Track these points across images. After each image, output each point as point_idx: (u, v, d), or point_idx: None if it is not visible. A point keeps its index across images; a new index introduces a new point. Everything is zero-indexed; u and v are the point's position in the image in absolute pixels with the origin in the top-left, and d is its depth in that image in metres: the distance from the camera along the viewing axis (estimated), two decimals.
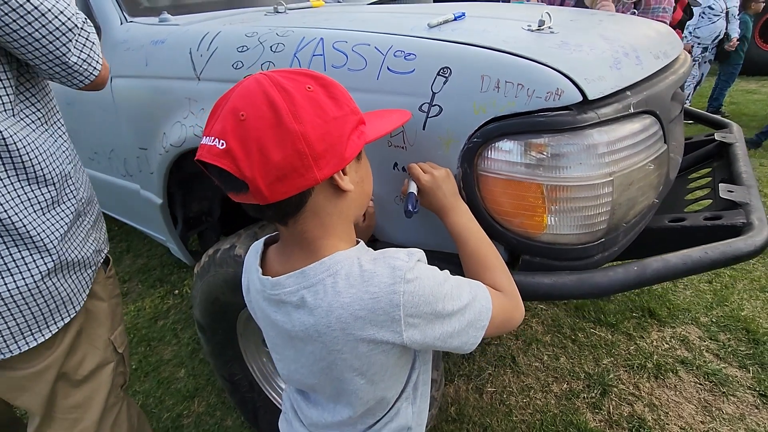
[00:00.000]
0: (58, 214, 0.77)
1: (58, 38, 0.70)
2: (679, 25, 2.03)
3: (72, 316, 0.81)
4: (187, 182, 1.33)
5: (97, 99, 1.33)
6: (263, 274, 0.55)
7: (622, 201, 0.68)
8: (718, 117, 1.52)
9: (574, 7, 2.05)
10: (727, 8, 3.88)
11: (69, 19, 0.71)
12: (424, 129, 0.69)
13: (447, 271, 0.55)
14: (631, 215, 0.73)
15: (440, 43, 0.70)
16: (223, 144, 0.45)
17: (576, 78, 0.61)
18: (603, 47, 0.71)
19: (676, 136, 1.23)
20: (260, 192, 0.45)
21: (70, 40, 0.72)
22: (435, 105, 0.67)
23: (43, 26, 0.67)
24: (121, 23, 1.26)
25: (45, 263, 0.74)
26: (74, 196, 0.82)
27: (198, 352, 1.80)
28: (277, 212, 0.50)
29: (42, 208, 0.74)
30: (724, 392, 1.53)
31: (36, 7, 0.65)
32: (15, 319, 0.73)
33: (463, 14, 0.85)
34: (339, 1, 1.64)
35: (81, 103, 1.42)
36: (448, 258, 0.70)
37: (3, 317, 0.71)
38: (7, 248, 0.70)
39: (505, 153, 0.64)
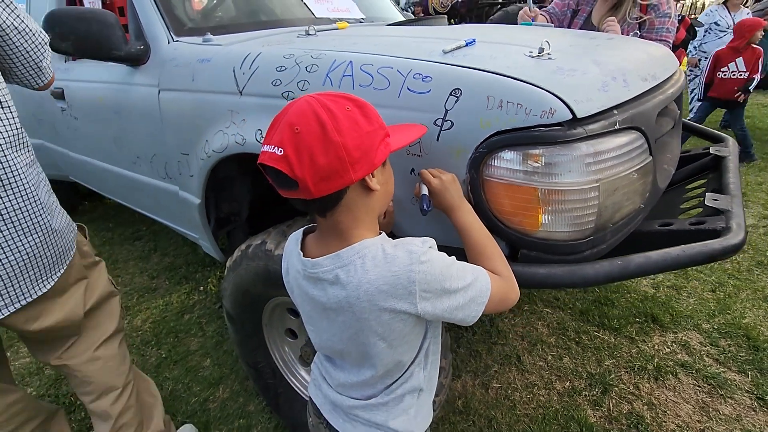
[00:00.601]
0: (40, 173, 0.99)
1: (39, 49, 0.99)
2: (682, 45, 2.12)
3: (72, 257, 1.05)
4: (220, 185, 1.47)
5: (143, 109, 1.48)
6: (304, 257, 0.68)
7: (607, 204, 0.79)
8: (715, 131, 1.61)
9: (582, 27, 2.16)
10: (735, 24, 3.96)
11: (43, 35, 1.00)
12: (438, 140, 0.81)
13: (454, 257, 0.66)
14: (617, 218, 0.84)
15: (453, 68, 0.82)
16: (281, 151, 0.57)
17: (567, 99, 0.73)
18: (593, 72, 0.83)
19: (670, 148, 1.34)
20: (308, 189, 0.58)
21: (45, 50, 1.01)
22: (447, 120, 0.79)
23: (32, 40, 0.97)
24: (169, 42, 1.41)
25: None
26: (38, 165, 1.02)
27: (222, 344, 1.93)
28: (320, 206, 0.62)
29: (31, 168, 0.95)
30: (722, 394, 1.60)
31: (29, 27, 0.95)
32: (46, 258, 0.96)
33: (474, 40, 0.97)
34: (360, 22, 1.78)
35: (127, 112, 1.58)
36: (454, 252, 0.81)
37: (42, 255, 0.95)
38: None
39: (507, 161, 0.76)
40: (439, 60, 0.86)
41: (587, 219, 0.78)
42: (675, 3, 1.97)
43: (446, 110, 0.79)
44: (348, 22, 1.72)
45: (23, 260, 0.91)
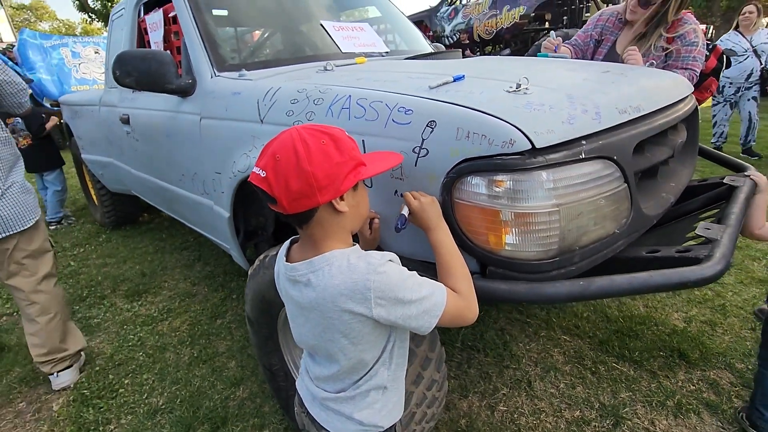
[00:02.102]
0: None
1: (20, 92, 1.80)
2: (713, 73, 2.07)
3: (39, 215, 1.77)
4: (248, 202, 1.65)
5: (188, 134, 1.71)
6: (286, 262, 0.80)
7: (571, 228, 0.84)
8: (736, 160, 1.57)
9: (606, 56, 2.18)
10: (753, 46, 3.81)
11: (22, 84, 1.80)
12: (416, 166, 0.91)
13: (415, 272, 0.75)
14: (585, 241, 0.88)
15: (432, 102, 0.93)
16: (264, 173, 0.70)
17: (527, 131, 0.80)
18: (562, 106, 0.89)
19: (674, 176, 1.34)
20: (283, 206, 0.70)
21: (25, 93, 1.83)
22: (424, 148, 0.89)
23: (17, 88, 1.77)
24: (211, 77, 1.64)
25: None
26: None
27: (246, 348, 2.08)
28: (295, 220, 0.74)
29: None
30: None
31: (14, 80, 1.75)
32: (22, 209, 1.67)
33: (463, 76, 1.07)
34: (382, 56, 1.94)
35: (176, 136, 1.82)
36: (431, 267, 0.90)
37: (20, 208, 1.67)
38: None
39: (473, 186, 0.84)
40: (423, 95, 0.97)
41: (550, 240, 0.84)
42: (703, 32, 1.94)
43: (423, 139, 0.89)
44: (371, 56, 1.88)
45: None
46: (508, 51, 8.64)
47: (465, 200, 0.86)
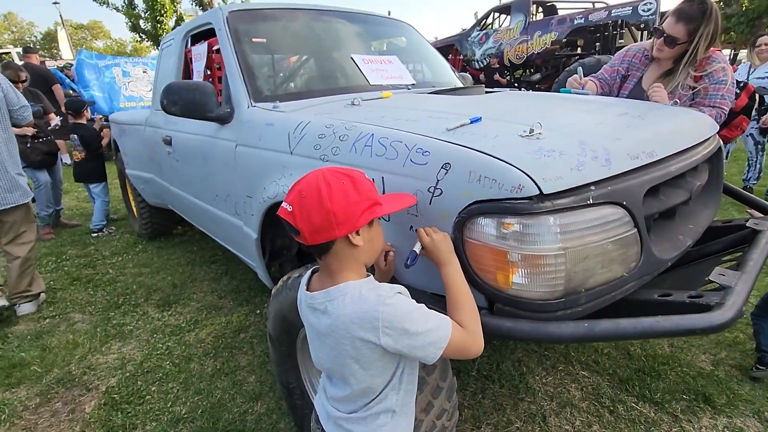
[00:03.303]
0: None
1: (26, 107, 2.62)
2: (744, 111, 2.03)
3: (30, 197, 2.67)
4: (275, 225, 1.74)
5: (223, 158, 1.84)
6: (307, 291, 0.87)
7: (577, 270, 0.87)
8: (763, 201, 1.54)
9: (632, 91, 2.20)
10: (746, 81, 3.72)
11: (24, 102, 2.61)
12: (430, 204, 0.97)
13: (423, 305, 0.80)
14: (592, 283, 0.91)
15: (448, 145, 0.99)
16: (290, 208, 0.79)
17: (535, 177, 0.85)
18: (573, 152, 0.94)
19: (694, 218, 1.34)
20: (305, 237, 0.78)
21: (28, 108, 2.63)
22: (438, 188, 0.95)
23: (24, 107, 2.60)
24: (248, 107, 1.77)
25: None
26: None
27: (266, 364, 2.15)
28: (315, 250, 0.82)
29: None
30: None
31: (25, 103, 2.61)
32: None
33: (480, 118, 1.13)
34: (408, 89, 2.03)
35: (212, 159, 1.96)
36: (441, 300, 0.94)
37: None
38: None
39: (482, 226, 0.89)
40: (440, 137, 1.03)
41: (556, 282, 0.87)
42: (732, 70, 1.94)
43: (437, 180, 0.95)
44: (398, 89, 1.97)
45: None
46: (538, 75, 8.67)
47: (475, 239, 0.91)
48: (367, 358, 0.80)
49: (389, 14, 3.00)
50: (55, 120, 4.10)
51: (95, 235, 4.12)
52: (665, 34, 1.92)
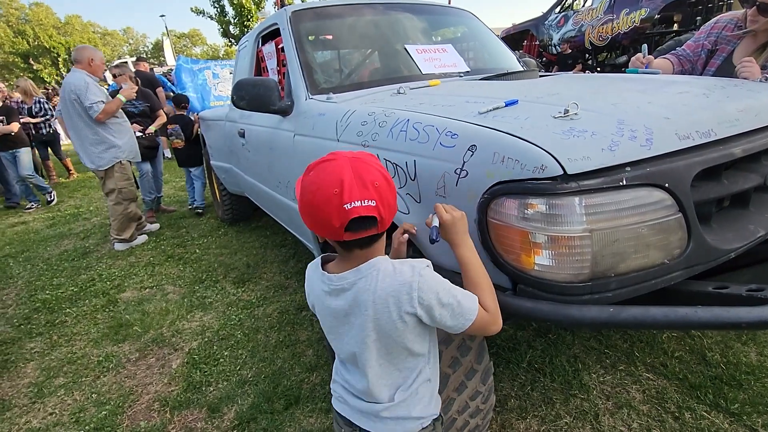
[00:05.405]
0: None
1: (90, 107, 3.33)
2: None
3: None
4: None
5: (284, 148, 1.99)
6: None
7: (605, 254, 0.84)
8: None
9: (720, 67, 1.96)
10: None
11: (92, 101, 3.33)
12: (456, 185, 0.99)
13: (447, 280, 0.83)
14: (624, 269, 0.86)
15: (475, 127, 1.00)
16: (373, 203, 0.76)
17: (560, 157, 0.83)
18: (607, 132, 0.89)
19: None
20: (384, 224, 0.80)
21: (92, 108, 3.33)
22: (464, 170, 0.97)
23: (89, 107, 3.34)
24: (305, 99, 1.90)
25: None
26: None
27: (323, 340, 2.31)
28: (371, 240, 0.81)
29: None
30: None
31: (93, 102, 3.32)
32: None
33: (516, 101, 1.12)
34: (461, 76, 2.02)
35: (276, 149, 2.13)
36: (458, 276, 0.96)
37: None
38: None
39: (505, 207, 0.89)
40: (470, 120, 1.04)
41: (581, 264, 0.85)
42: None
43: (464, 162, 0.97)
44: (449, 77, 1.97)
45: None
46: (624, 57, 7.90)
47: (498, 220, 0.92)
48: (400, 330, 0.81)
49: (449, 2, 2.97)
50: (170, 128, 4.57)
51: (200, 212, 4.75)
52: (759, 2, 1.69)
